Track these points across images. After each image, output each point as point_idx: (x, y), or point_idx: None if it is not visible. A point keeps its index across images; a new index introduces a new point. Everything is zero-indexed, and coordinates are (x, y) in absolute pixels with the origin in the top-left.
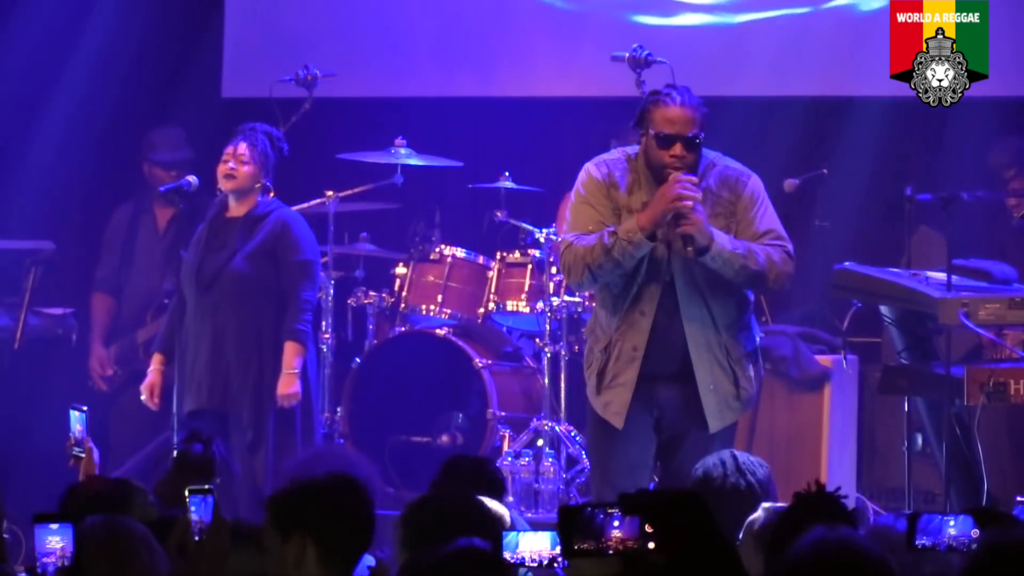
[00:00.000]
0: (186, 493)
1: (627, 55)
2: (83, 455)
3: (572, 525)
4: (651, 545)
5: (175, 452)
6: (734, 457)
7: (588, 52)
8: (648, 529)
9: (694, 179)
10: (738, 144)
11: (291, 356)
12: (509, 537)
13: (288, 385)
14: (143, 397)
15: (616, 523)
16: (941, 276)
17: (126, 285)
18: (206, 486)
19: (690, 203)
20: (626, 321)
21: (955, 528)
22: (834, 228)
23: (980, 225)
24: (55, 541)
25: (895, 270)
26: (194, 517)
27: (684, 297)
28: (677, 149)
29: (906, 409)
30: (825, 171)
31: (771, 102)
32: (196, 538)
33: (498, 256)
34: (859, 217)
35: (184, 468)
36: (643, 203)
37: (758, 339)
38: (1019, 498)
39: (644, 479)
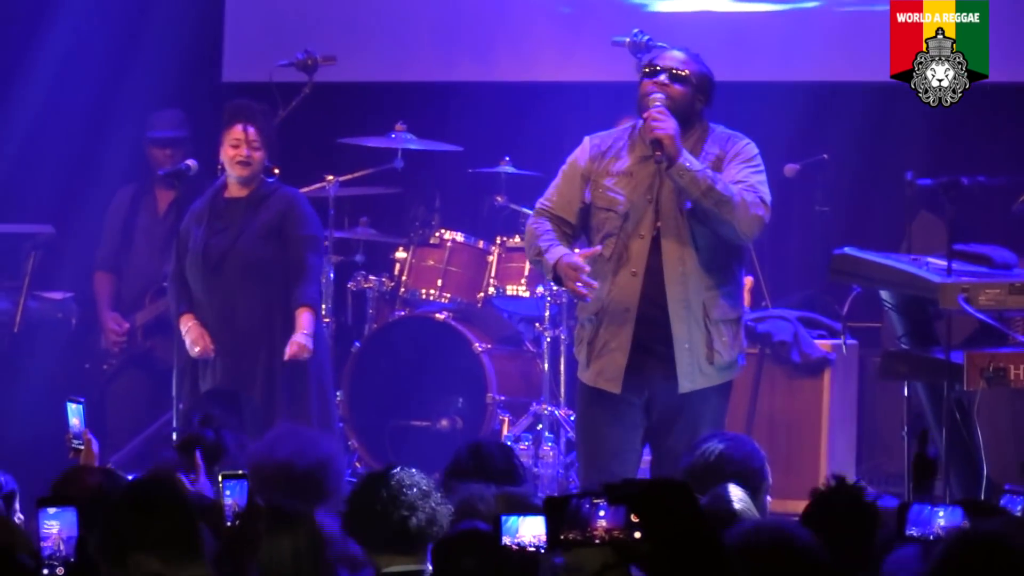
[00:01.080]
0: (220, 478)
1: (628, 40)
2: (82, 447)
3: (558, 515)
4: (637, 534)
5: (186, 433)
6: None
7: (588, 37)
8: (634, 518)
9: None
10: (739, 129)
11: (304, 319)
12: (510, 521)
13: (301, 339)
14: (196, 351)
15: (602, 513)
16: (941, 261)
17: (126, 268)
18: (239, 471)
19: (660, 123)
20: (617, 283)
21: (944, 519)
22: (834, 213)
23: (980, 210)
24: (52, 526)
25: (895, 255)
26: (228, 501)
27: (668, 255)
28: (662, 77)
29: (906, 394)
30: (826, 156)
31: (772, 87)
32: (229, 523)
33: (498, 240)
34: (859, 202)
35: (190, 449)
36: (640, 157)
37: (742, 312)
38: (1008, 487)
39: (632, 463)
